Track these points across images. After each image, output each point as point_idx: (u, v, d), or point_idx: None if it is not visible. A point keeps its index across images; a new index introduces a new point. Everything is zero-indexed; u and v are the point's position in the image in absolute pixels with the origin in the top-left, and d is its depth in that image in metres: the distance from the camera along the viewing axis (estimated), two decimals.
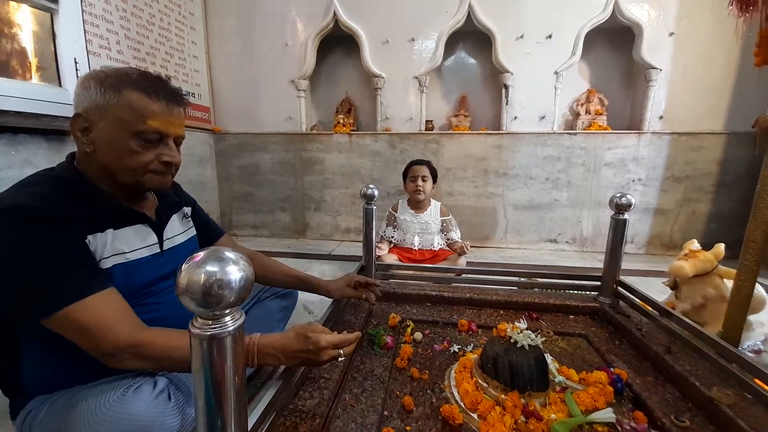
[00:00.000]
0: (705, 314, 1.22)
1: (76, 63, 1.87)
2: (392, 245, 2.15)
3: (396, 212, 2.15)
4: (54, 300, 0.63)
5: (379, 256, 1.94)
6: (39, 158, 1.71)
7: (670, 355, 0.96)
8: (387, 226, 2.16)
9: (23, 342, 0.70)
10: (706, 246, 1.28)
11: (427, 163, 2.08)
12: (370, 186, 1.41)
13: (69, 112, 0.74)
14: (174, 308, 0.82)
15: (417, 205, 2.10)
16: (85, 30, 1.96)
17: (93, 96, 0.72)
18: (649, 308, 1.20)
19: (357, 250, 2.80)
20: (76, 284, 0.65)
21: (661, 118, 2.77)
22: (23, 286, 0.62)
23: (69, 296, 0.63)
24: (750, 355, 0.91)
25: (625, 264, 1.32)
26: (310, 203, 3.25)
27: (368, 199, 1.41)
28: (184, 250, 0.93)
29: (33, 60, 1.73)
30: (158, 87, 0.76)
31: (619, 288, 1.33)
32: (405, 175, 2.11)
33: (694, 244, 1.30)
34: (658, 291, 1.53)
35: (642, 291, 1.25)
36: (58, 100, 1.73)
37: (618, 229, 1.25)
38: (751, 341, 1.14)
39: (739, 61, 2.59)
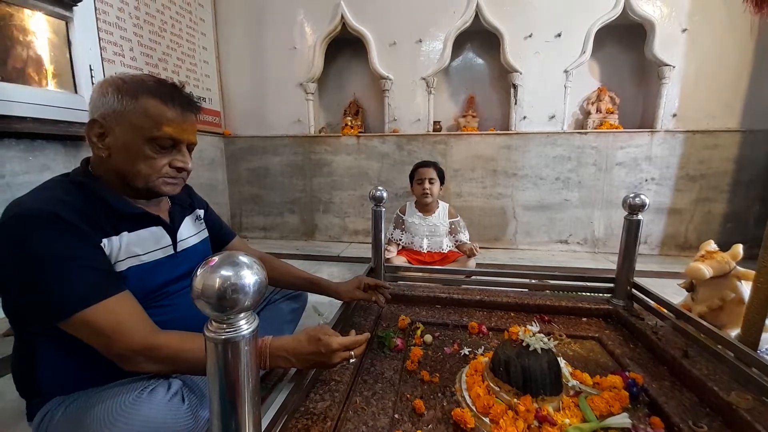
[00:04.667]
0: (722, 317, 1.19)
1: (91, 70, 1.91)
2: (400, 247, 2.14)
3: (404, 215, 2.14)
4: (70, 304, 0.64)
5: (388, 259, 1.93)
6: (57, 163, 1.75)
7: (687, 358, 0.94)
8: (395, 229, 2.16)
9: (39, 344, 0.71)
10: (723, 246, 1.25)
11: (434, 165, 2.06)
12: (379, 188, 1.41)
13: (85, 118, 0.76)
14: (188, 310, 0.82)
15: (425, 207, 2.09)
16: (99, 37, 2.01)
17: (110, 102, 0.73)
18: (665, 311, 1.18)
19: (366, 252, 2.81)
20: (91, 288, 0.66)
21: (674, 116, 2.72)
22: (39, 290, 0.64)
23: (85, 300, 0.64)
24: None
25: (639, 265, 1.30)
26: (318, 205, 3.27)
27: (377, 201, 1.41)
28: (197, 252, 0.94)
29: (49, 67, 1.77)
30: (174, 94, 0.77)
31: (633, 290, 1.30)
32: (411, 177, 2.10)
33: (711, 245, 1.27)
34: (673, 293, 1.49)
35: (656, 293, 1.23)
36: (74, 106, 1.77)
37: (632, 229, 1.23)
38: None
39: (755, 57, 2.53)
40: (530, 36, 2.78)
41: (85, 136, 0.76)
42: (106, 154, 0.75)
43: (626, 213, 1.24)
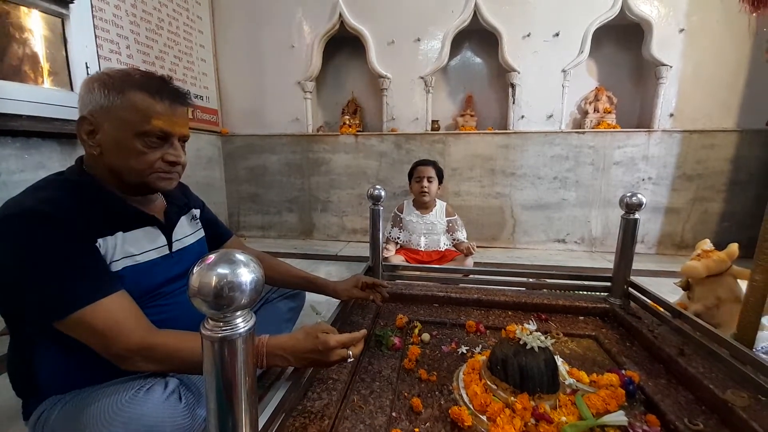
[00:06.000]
0: (718, 315, 1.20)
1: (87, 68, 1.90)
2: (398, 246, 2.15)
3: (401, 213, 2.14)
4: (66, 304, 0.63)
5: (386, 257, 1.94)
6: (52, 161, 1.74)
7: (683, 357, 0.95)
8: (393, 227, 2.16)
9: (37, 343, 0.71)
10: (719, 246, 1.26)
11: (433, 164, 2.07)
12: (377, 187, 1.41)
13: None
14: (184, 309, 0.82)
15: (422, 205, 2.10)
16: (95, 35, 1.99)
17: (97, 98, 0.72)
18: (661, 309, 1.19)
19: (363, 250, 2.81)
20: (87, 288, 0.65)
21: (671, 115, 2.73)
22: (35, 290, 0.63)
23: (81, 300, 0.64)
24: (764, 356, 0.90)
25: (635, 264, 1.31)
26: (316, 204, 3.26)
27: (375, 199, 1.41)
28: (193, 252, 0.93)
29: (45, 65, 1.76)
30: (161, 87, 0.76)
31: (630, 289, 1.31)
32: (410, 175, 2.10)
33: (707, 244, 1.28)
34: (670, 291, 1.50)
35: (653, 291, 1.24)
36: (70, 104, 1.76)
37: (628, 229, 1.23)
38: (765, 342, 1.11)
39: (752, 57, 2.54)
40: (528, 35, 2.79)
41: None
42: (97, 151, 0.74)
43: (623, 212, 1.24)
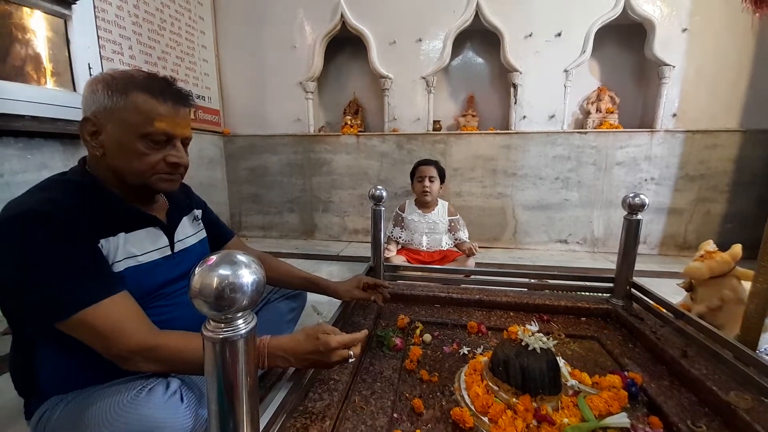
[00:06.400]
0: (721, 317, 1.19)
1: (90, 68, 1.91)
2: (400, 246, 2.15)
3: (403, 212, 2.14)
4: (68, 304, 0.63)
5: (387, 258, 1.93)
6: (55, 162, 1.75)
7: (686, 358, 0.94)
8: (394, 227, 2.16)
9: (38, 343, 0.71)
10: (722, 246, 1.25)
11: (435, 163, 2.07)
12: (378, 187, 1.41)
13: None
14: (186, 310, 0.82)
15: (424, 205, 2.10)
16: (98, 35, 2.00)
17: (101, 99, 0.72)
18: (664, 310, 1.18)
19: (365, 251, 2.81)
20: (89, 288, 0.65)
21: (674, 116, 2.72)
22: (37, 291, 0.63)
23: (83, 301, 0.64)
24: None
25: (638, 265, 1.30)
26: (318, 204, 3.27)
27: (376, 200, 1.41)
28: (195, 253, 0.93)
29: (48, 65, 1.77)
30: (164, 88, 0.76)
31: (632, 289, 1.30)
32: (412, 175, 2.11)
33: (711, 245, 1.27)
34: (672, 293, 1.49)
35: (656, 293, 1.23)
36: (73, 104, 1.76)
37: (631, 229, 1.23)
38: None
39: (755, 56, 2.53)
40: (530, 35, 2.78)
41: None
42: (100, 152, 0.74)
43: (626, 213, 1.24)
